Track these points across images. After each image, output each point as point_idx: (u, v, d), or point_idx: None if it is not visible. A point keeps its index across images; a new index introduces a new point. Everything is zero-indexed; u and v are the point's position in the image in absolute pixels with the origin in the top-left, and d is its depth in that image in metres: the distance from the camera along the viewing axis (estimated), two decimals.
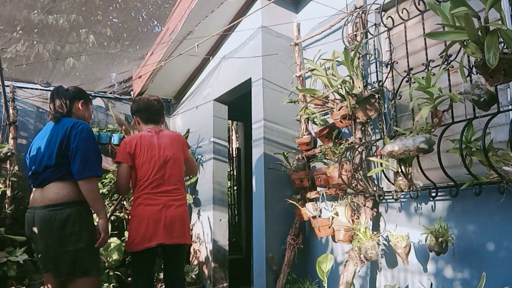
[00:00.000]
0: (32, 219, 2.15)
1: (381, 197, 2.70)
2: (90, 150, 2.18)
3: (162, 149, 2.59)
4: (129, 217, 2.67)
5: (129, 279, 4.05)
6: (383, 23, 2.69)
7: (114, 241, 4.07)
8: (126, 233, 3.96)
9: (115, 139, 4.86)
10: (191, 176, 4.66)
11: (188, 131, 5.05)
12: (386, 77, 2.77)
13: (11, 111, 4.54)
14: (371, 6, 2.84)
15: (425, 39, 2.39)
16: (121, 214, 4.34)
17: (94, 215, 2.29)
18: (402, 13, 2.56)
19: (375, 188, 2.74)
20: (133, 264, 2.62)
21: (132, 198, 2.64)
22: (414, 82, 2.27)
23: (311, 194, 3.28)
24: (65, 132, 2.16)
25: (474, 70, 1.96)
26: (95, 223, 2.25)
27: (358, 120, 2.79)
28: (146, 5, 5.66)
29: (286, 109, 3.63)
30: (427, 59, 2.39)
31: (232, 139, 6.23)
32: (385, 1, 2.70)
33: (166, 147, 2.60)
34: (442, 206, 2.42)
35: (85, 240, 2.13)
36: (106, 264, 3.95)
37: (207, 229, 4.50)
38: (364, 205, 2.77)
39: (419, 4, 2.44)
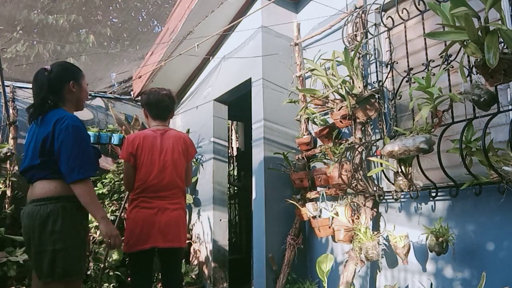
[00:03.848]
0: (22, 214, 2.04)
1: (381, 197, 2.70)
2: (77, 149, 1.94)
3: (163, 153, 2.55)
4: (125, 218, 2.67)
5: (129, 279, 4.05)
6: (383, 23, 2.69)
7: None
8: None
9: (115, 139, 4.89)
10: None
11: (188, 131, 5.04)
12: (386, 77, 2.77)
13: (11, 111, 4.54)
14: (371, 6, 2.84)
15: (425, 39, 2.38)
16: (122, 214, 4.34)
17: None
18: (402, 13, 2.56)
19: (375, 188, 2.74)
20: (130, 264, 2.63)
21: (129, 199, 2.63)
22: (414, 82, 2.27)
23: (311, 194, 3.28)
24: (49, 129, 1.95)
25: (474, 70, 1.95)
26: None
27: (358, 120, 2.79)
28: (146, 5, 5.66)
29: (286, 109, 3.63)
30: (427, 59, 2.39)
31: (232, 139, 6.23)
32: (385, 1, 2.70)
33: (168, 151, 2.56)
34: (442, 206, 2.42)
35: (66, 240, 1.91)
36: (106, 264, 3.95)
37: (207, 229, 4.50)
38: (364, 205, 2.77)
39: (419, 4, 2.43)
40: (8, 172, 4.29)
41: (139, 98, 5.01)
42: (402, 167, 2.37)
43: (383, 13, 2.73)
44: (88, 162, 1.98)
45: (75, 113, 2.14)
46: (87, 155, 2.00)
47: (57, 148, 1.93)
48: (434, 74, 2.18)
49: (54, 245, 1.89)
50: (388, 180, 2.60)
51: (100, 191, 4.31)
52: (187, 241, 4.03)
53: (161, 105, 2.66)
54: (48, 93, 2.02)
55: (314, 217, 3.11)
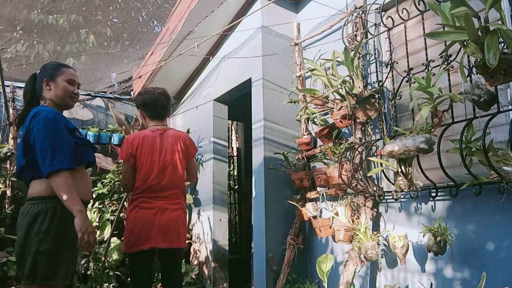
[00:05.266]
0: None
1: (381, 197, 2.70)
2: (48, 141, 1.87)
3: (163, 153, 2.55)
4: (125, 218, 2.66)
5: (129, 279, 4.05)
6: (383, 23, 2.69)
7: (114, 241, 4.07)
8: None
9: (115, 139, 4.89)
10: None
11: (188, 131, 5.04)
12: (386, 77, 2.77)
13: (11, 111, 4.54)
14: (371, 6, 2.84)
15: (425, 39, 2.39)
16: (122, 214, 4.34)
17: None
18: (402, 13, 2.56)
19: (375, 188, 2.74)
20: (130, 265, 2.63)
21: (129, 199, 2.63)
22: (414, 82, 2.27)
23: (311, 194, 3.28)
24: (27, 126, 1.93)
25: (474, 70, 1.95)
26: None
27: (358, 120, 2.79)
28: (146, 5, 5.66)
29: (286, 109, 3.63)
30: (427, 59, 2.39)
31: (232, 139, 6.23)
32: (385, 1, 2.70)
33: (167, 150, 2.56)
34: (442, 206, 2.42)
35: (51, 242, 1.83)
36: (106, 264, 3.95)
37: (207, 229, 4.50)
38: (364, 205, 2.77)
39: (419, 4, 2.44)
40: (8, 172, 4.30)
41: None
42: (402, 167, 2.37)
43: (383, 13, 2.73)
44: (61, 154, 1.88)
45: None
46: (60, 147, 1.89)
47: (33, 143, 1.90)
48: (434, 74, 2.18)
49: (38, 246, 1.81)
50: (388, 180, 2.60)
51: (100, 191, 4.31)
52: (187, 241, 4.04)
53: (158, 104, 2.65)
54: (30, 93, 2.11)
55: (314, 217, 3.11)
